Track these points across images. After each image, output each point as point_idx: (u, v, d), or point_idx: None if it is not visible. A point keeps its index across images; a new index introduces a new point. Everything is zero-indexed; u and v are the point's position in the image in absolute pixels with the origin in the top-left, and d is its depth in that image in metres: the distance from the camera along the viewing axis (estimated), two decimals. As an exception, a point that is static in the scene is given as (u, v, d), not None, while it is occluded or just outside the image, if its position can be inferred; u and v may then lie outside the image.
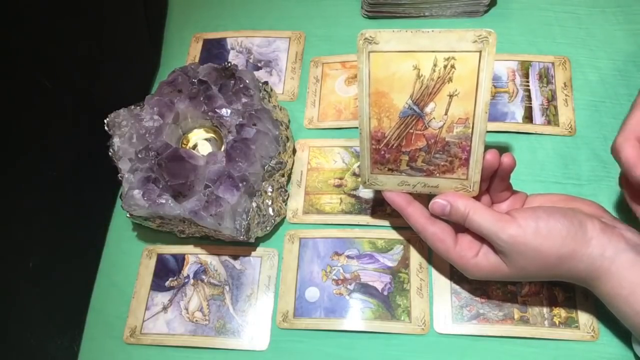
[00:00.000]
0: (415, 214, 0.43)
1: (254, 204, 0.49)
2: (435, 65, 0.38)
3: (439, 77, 0.38)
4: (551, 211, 0.40)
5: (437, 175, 0.42)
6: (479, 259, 0.42)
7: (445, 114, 0.39)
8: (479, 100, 0.38)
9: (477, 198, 0.43)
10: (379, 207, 0.52)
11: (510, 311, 0.46)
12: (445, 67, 0.38)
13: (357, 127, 0.56)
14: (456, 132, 0.40)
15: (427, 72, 0.38)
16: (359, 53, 0.39)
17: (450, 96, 0.39)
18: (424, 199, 0.46)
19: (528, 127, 0.54)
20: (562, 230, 0.39)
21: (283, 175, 0.53)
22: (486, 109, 0.38)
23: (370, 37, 0.38)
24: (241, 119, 0.51)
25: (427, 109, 0.39)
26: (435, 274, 0.49)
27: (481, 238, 0.42)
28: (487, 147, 0.40)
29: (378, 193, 0.53)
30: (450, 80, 0.38)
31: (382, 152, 0.42)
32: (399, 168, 0.42)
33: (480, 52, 0.37)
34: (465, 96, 0.38)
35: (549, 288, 0.47)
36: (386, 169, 0.43)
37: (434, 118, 0.40)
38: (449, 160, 0.41)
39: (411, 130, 0.40)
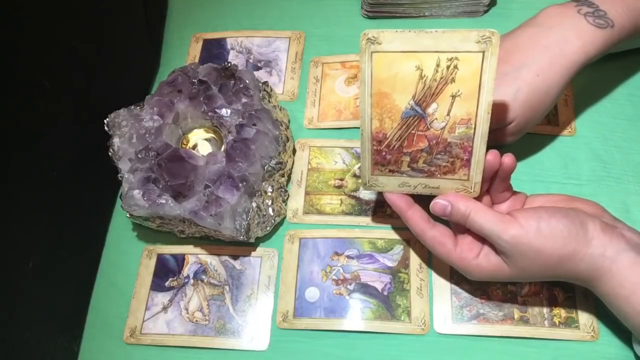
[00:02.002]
0: (415, 217, 0.43)
1: (254, 204, 0.49)
2: (438, 65, 0.38)
3: (441, 78, 0.38)
4: (552, 211, 0.40)
5: (438, 176, 0.42)
6: (480, 260, 0.42)
7: (448, 114, 0.39)
8: (481, 101, 0.38)
9: (478, 199, 0.43)
10: (379, 208, 0.52)
11: (510, 311, 0.46)
12: (448, 67, 0.38)
13: (357, 128, 0.56)
14: (458, 133, 0.40)
15: (429, 73, 0.38)
16: (362, 53, 0.39)
17: (453, 97, 0.38)
18: (424, 202, 0.46)
19: (528, 127, 0.54)
20: (563, 231, 0.39)
21: (283, 176, 0.53)
22: (489, 110, 0.38)
23: (373, 37, 0.38)
24: (241, 119, 0.51)
25: (430, 110, 0.39)
26: (435, 274, 0.49)
27: (482, 239, 0.42)
28: (488, 148, 0.40)
29: (378, 194, 0.53)
30: (453, 80, 0.38)
31: (383, 153, 0.42)
32: (400, 169, 0.42)
33: (484, 52, 0.37)
34: (467, 97, 0.38)
35: (549, 288, 0.47)
36: (387, 170, 0.43)
37: (436, 119, 0.40)
38: (450, 161, 0.41)
39: (413, 131, 0.40)
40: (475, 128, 0.39)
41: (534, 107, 0.46)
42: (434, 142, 0.40)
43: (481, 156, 0.40)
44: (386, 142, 0.41)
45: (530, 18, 0.49)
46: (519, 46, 0.46)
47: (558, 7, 0.48)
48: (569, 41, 0.45)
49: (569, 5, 0.48)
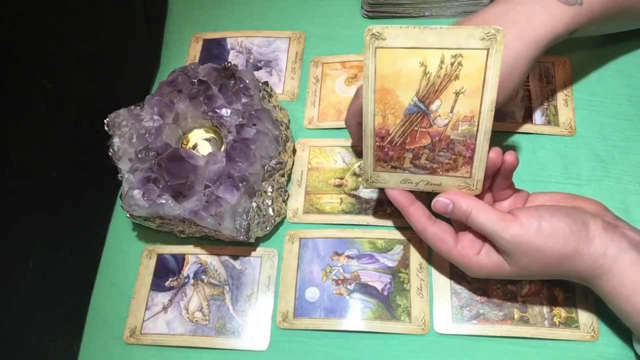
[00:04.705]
0: (416, 213, 0.43)
1: (254, 204, 0.49)
2: (442, 62, 0.38)
3: (445, 75, 0.38)
4: (554, 210, 0.40)
5: (441, 173, 0.42)
6: (480, 258, 0.42)
7: (451, 111, 0.39)
8: (485, 98, 0.38)
9: (480, 196, 0.43)
10: (380, 207, 0.52)
11: (510, 311, 0.46)
12: (452, 64, 0.37)
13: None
14: (461, 130, 0.40)
15: (433, 69, 0.38)
16: (366, 49, 0.38)
17: (457, 94, 0.38)
18: (425, 198, 0.46)
19: (528, 127, 0.54)
20: (564, 229, 0.39)
21: (283, 175, 0.53)
22: (492, 107, 0.38)
23: (378, 32, 0.38)
24: (241, 119, 0.51)
25: (433, 107, 0.39)
26: (435, 274, 0.49)
27: (483, 237, 0.42)
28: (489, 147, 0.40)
29: (378, 193, 0.53)
30: (457, 77, 0.38)
31: (386, 150, 0.42)
32: (402, 165, 0.42)
33: (488, 49, 0.37)
34: (471, 94, 0.38)
35: (549, 288, 0.47)
36: (389, 166, 0.43)
37: (439, 115, 0.40)
38: (452, 158, 0.41)
39: (416, 128, 0.40)
40: (478, 125, 0.39)
41: (501, 81, 0.45)
42: (437, 139, 0.40)
43: (484, 154, 0.40)
44: (389, 139, 0.41)
45: None
46: (487, 21, 0.46)
47: None
48: (536, 16, 0.45)
49: None
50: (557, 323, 0.46)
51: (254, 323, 0.49)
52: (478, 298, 0.47)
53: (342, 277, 0.49)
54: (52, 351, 0.48)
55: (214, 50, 0.64)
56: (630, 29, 0.55)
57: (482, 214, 0.40)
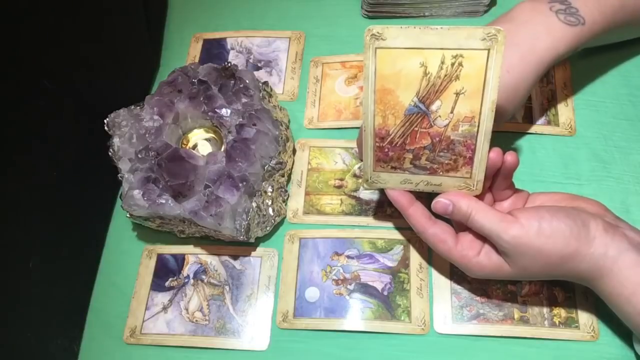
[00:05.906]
0: (416, 214, 0.43)
1: (254, 204, 0.49)
2: (442, 62, 0.37)
3: (446, 75, 0.38)
4: (554, 211, 0.40)
5: (441, 173, 0.42)
6: (480, 258, 0.42)
7: (451, 112, 0.39)
8: (485, 99, 0.38)
9: (480, 197, 0.43)
10: (380, 208, 0.52)
11: (510, 311, 0.46)
12: (452, 64, 0.37)
13: (357, 128, 0.56)
14: (461, 131, 0.40)
15: (434, 70, 0.38)
16: (366, 49, 0.38)
17: (457, 94, 0.38)
18: (425, 199, 0.46)
19: (528, 127, 0.54)
20: (565, 230, 0.39)
21: (283, 175, 0.53)
22: (493, 108, 0.38)
23: (378, 33, 0.38)
24: (241, 119, 0.51)
25: (433, 107, 0.39)
26: (435, 274, 0.49)
27: (483, 237, 0.42)
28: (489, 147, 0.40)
29: (378, 194, 0.53)
30: (457, 78, 0.38)
31: (386, 150, 0.42)
32: (402, 166, 0.42)
33: (489, 50, 0.36)
34: (472, 94, 0.38)
35: (549, 288, 0.47)
36: (389, 166, 0.43)
37: (439, 116, 0.39)
38: (453, 159, 0.41)
39: (416, 128, 0.40)
40: (478, 126, 0.39)
41: (504, 103, 0.45)
42: (437, 139, 0.40)
43: (484, 154, 0.40)
44: (389, 139, 0.41)
45: (505, 13, 0.48)
46: None
47: (531, 2, 0.48)
48: (539, 38, 0.45)
49: (542, 1, 0.47)
50: (557, 323, 0.46)
51: (254, 323, 0.49)
52: (478, 298, 0.47)
53: (342, 277, 0.49)
54: (52, 351, 0.48)
55: (214, 50, 0.64)
56: (631, 38, 0.55)
57: (482, 215, 0.40)
